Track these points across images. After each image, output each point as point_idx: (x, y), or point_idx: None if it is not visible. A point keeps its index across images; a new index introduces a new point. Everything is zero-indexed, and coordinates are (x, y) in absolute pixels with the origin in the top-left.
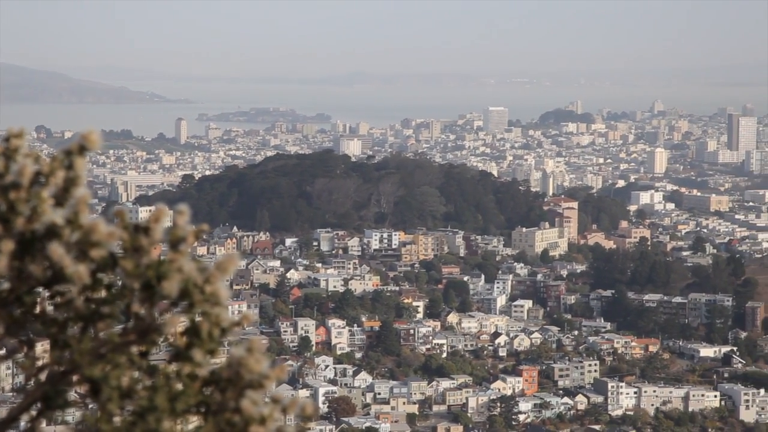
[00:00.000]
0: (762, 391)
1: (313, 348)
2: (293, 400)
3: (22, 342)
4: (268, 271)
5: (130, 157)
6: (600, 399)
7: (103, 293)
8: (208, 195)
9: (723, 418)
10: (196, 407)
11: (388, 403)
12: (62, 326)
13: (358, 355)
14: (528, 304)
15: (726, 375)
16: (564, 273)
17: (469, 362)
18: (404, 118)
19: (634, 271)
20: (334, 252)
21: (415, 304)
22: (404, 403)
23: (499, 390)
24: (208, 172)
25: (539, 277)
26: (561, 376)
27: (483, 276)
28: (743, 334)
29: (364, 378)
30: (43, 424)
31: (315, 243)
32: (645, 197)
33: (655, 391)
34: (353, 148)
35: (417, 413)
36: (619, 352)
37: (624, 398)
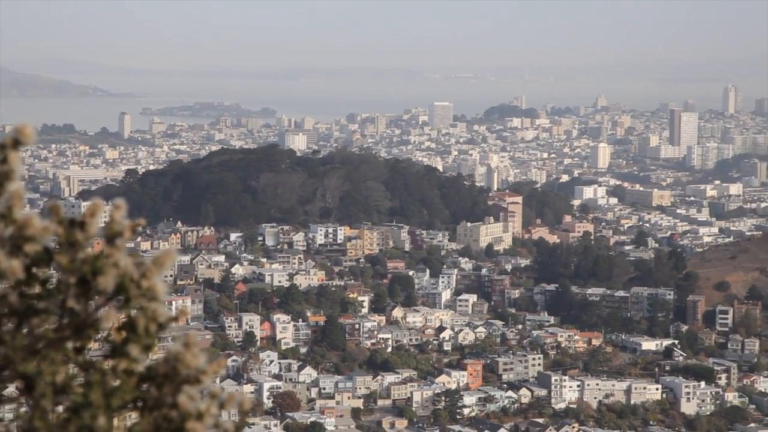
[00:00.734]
0: (702, 383)
1: (258, 343)
2: (231, 395)
3: None
4: (212, 266)
5: (73, 152)
6: (543, 392)
7: (37, 288)
8: (152, 190)
9: (664, 410)
10: (133, 403)
11: (333, 397)
12: None
13: (303, 350)
14: (472, 298)
15: (667, 368)
16: (508, 267)
17: (414, 356)
18: (349, 113)
19: (578, 266)
20: (279, 247)
21: (360, 298)
22: (349, 398)
23: (443, 384)
24: (152, 167)
25: (484, 271)
26: (505, 370)
27: (428, 270)
28: (684, 328)
29: (309, 373)
30: None
31: (260, 238)
32: (588, 192)
33: (597, 384)
34: (298, 143)
35: (362, 408)
36: (563, 345)
37: (567, 391)
